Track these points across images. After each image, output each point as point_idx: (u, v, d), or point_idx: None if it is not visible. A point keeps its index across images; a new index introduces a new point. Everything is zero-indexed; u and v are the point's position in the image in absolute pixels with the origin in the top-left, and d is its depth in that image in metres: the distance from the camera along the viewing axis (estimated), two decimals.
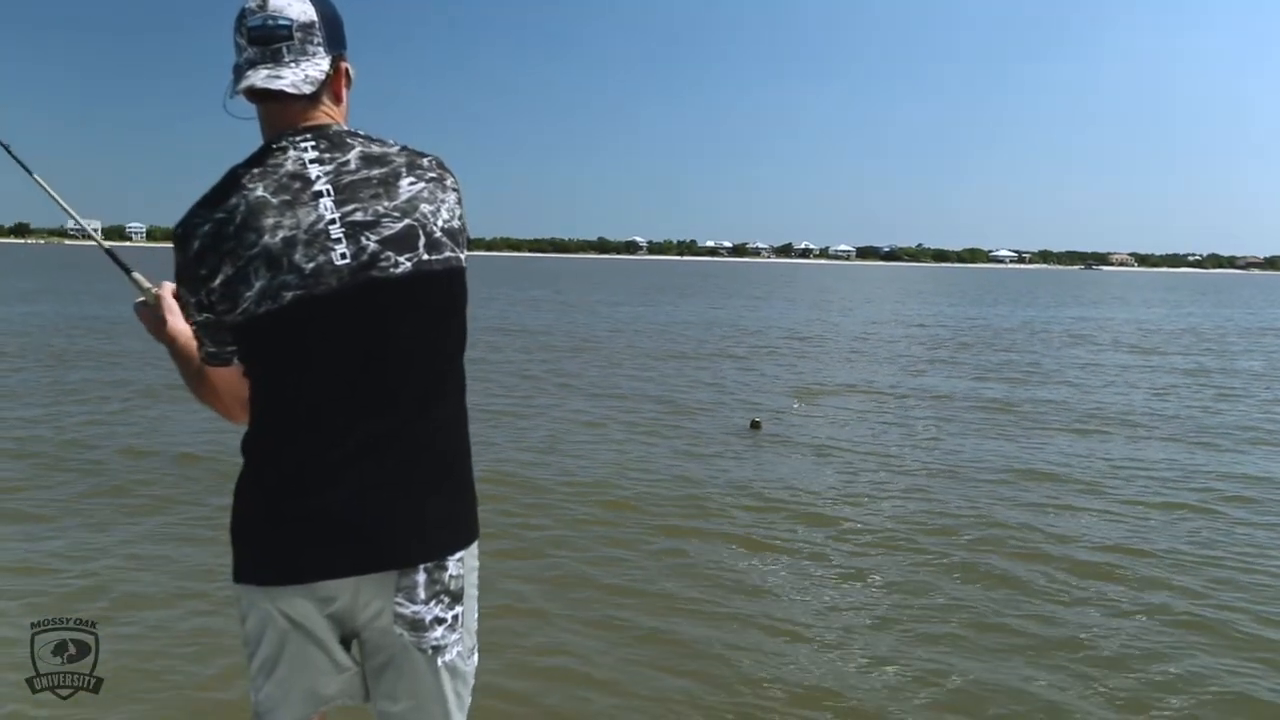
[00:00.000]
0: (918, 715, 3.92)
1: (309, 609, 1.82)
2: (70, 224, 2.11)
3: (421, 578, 1.83)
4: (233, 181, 1.75)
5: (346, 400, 1.77)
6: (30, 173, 2.11)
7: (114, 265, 2.21)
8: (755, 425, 9.91)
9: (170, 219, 1.82)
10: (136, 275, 2.11)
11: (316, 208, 1.73)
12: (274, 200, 1.72)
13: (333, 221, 1.73)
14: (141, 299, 2.06)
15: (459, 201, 1.87)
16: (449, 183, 1.87)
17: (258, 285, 1.69)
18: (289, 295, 1.70)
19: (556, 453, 8.81)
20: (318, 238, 1.72)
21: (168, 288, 1.98)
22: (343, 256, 1.72)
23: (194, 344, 1.94)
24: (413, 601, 1.83)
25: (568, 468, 8.18)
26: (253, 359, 1.80)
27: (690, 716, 3.85)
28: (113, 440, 8.60)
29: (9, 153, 2.13)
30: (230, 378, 1.87)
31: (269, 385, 1.80)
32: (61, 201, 2.12)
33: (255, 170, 1.75)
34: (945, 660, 4.42)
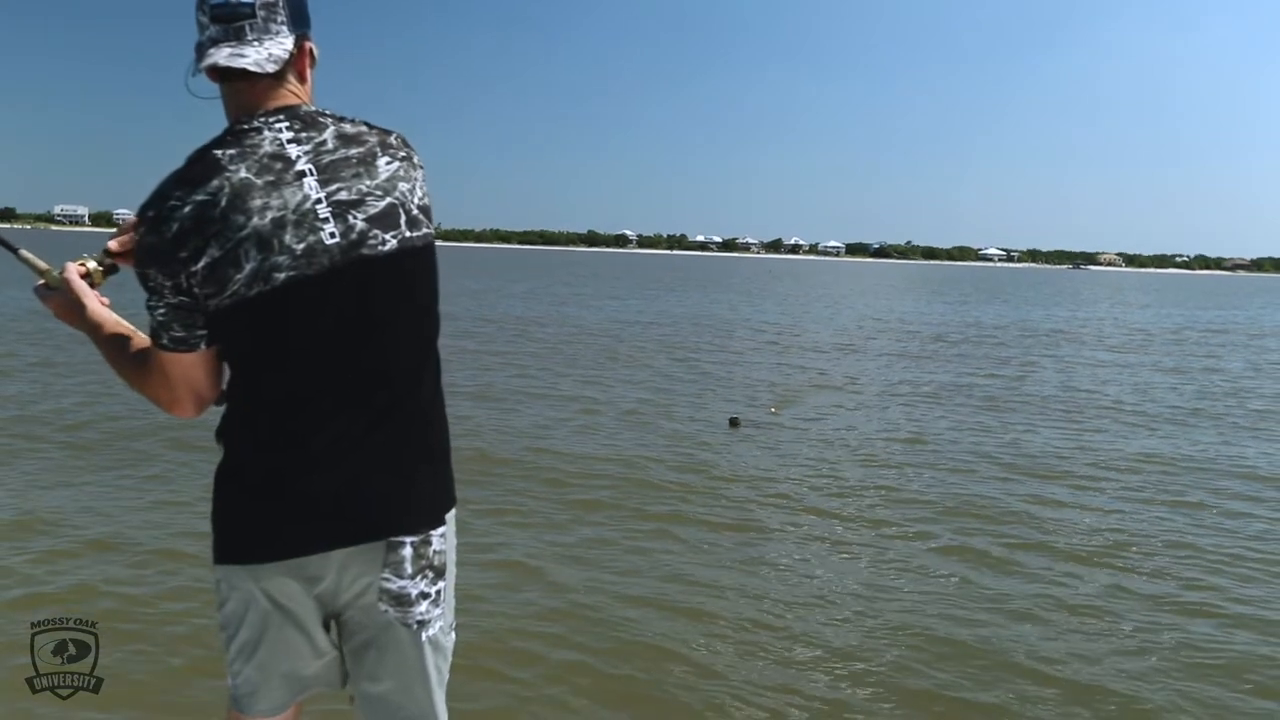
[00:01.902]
0: (911, 674, 4.12)
1: (295, 588, 1.83)
2: (57, 209, 2.04)
3: (408, 552, 1.86)
4: (211, 162, 1.72)
5: (337, 378, 1.78)
6: None
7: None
8: (734, 423, 9.90)
9: None
10: (26, 254, 2.06)
11: (302, 188, 1.73)
12: (258, 181, 1.71)
13: (319, 201, 1.74)
14: (41, 281, 1.99)
15: (424, 178, 1.91)
16: (416, 160, 1.90)
17: (249, 267, 1.68)
18: (281, 276, 1.70)
19: (548, 439, 8.96)
20: (306, 218, 1.72)
21: (72, 269, 1.95)
22: (332, 235, 1.73)
23: (121, 327, 1.95)
24: (400, 576, 1.86)
25: (558, 453, 8.35)
26: (239, 342, 1.78)
27: (682, 671, 4.08)
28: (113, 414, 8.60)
29: None
30: (192, 364, 1.80)
31: (257, 367, 1.79)
32: None
33: (233, 151, 1.73)
34: (931, 635, 4.60)
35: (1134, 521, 6.81)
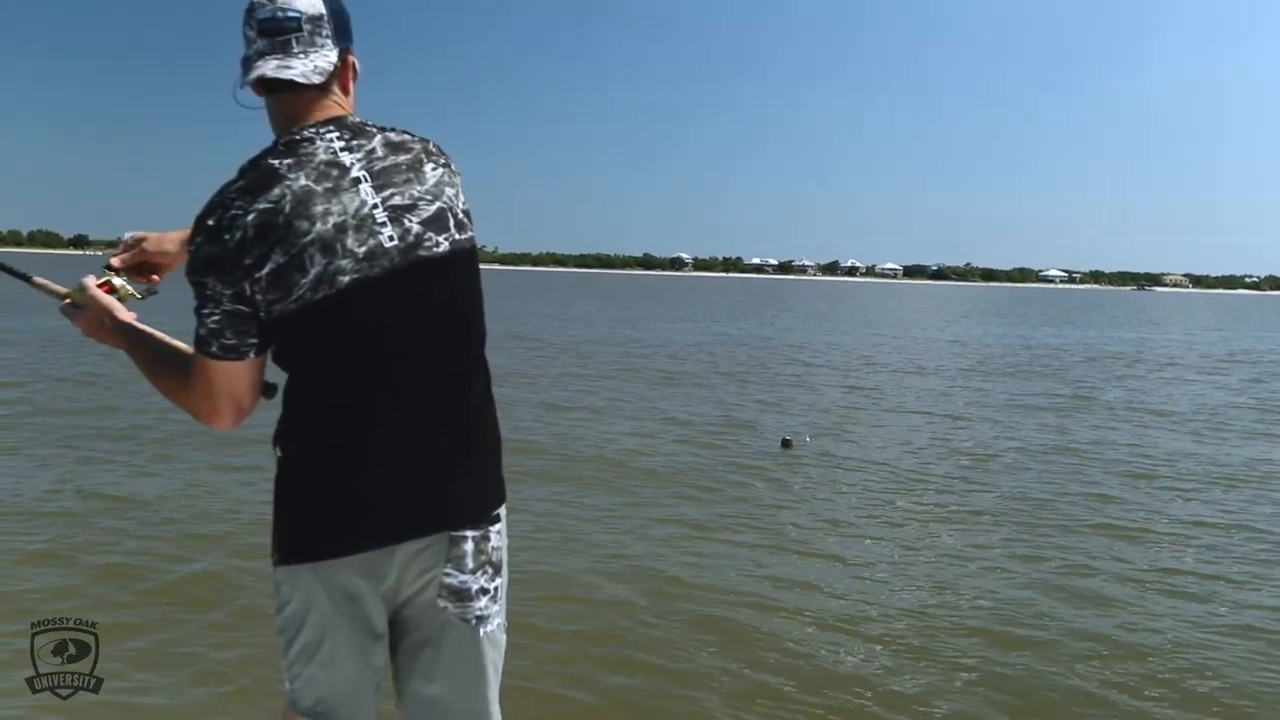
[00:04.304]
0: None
1: (361, 586, 1.85)
2: (126, 235, 2.10)
3: (470, 547, 1.91)
4: (269, 171, 1.76)
5: (394, 379, 1.82)
6: None
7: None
8: (787, 444, 9.86)
9: None
10: (39, 279, 2.11)
11: (359, 193, 1.79)
12: (318, 188, 1.75)
13: (375, 206, 1.79)
14: (67, 300, 2.02)
15: (462, 184, 1.97)
16: (454, 166, 1.97)
17: (314, 271, 1.72)
18: (345, 279, 1.74)
19: (608, 453, 9.20)
20: (365, 222, 1.77)
21: (91, 282, 2.01)
22: (390, 239, 1.78)
23: (154, 337, 1.99)
24: (461, 571, 1.90)
25: (619, 466, 8.62)
26: (301, 346, 1.80)
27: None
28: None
29: None
30: (239, 373, 1.82)
31: (317, 370, 1.82)
32: None
33: (289, 160, 1.78)
34: (984, 655, 4.53)
35: (1224, 540, 6.64)
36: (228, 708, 3.64)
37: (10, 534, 5.79)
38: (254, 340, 1.79)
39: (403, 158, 1.86)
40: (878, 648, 4.57)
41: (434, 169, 1.90)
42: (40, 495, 6.72)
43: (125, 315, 2.00)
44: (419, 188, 1.85)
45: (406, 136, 1.92)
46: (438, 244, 1.83)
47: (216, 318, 1.76)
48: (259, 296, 1.73)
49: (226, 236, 1.72)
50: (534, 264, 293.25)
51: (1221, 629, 4.93)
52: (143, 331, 1.99)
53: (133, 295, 2.06)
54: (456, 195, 1.91)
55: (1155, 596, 5.42)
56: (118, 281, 2.03)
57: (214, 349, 1.79)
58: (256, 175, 1.77)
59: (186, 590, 4.99)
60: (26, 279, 2.13)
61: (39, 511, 6.31)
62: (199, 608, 4.73)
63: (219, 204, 1.76)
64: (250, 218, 1.72)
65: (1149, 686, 4.22)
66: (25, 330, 19.18)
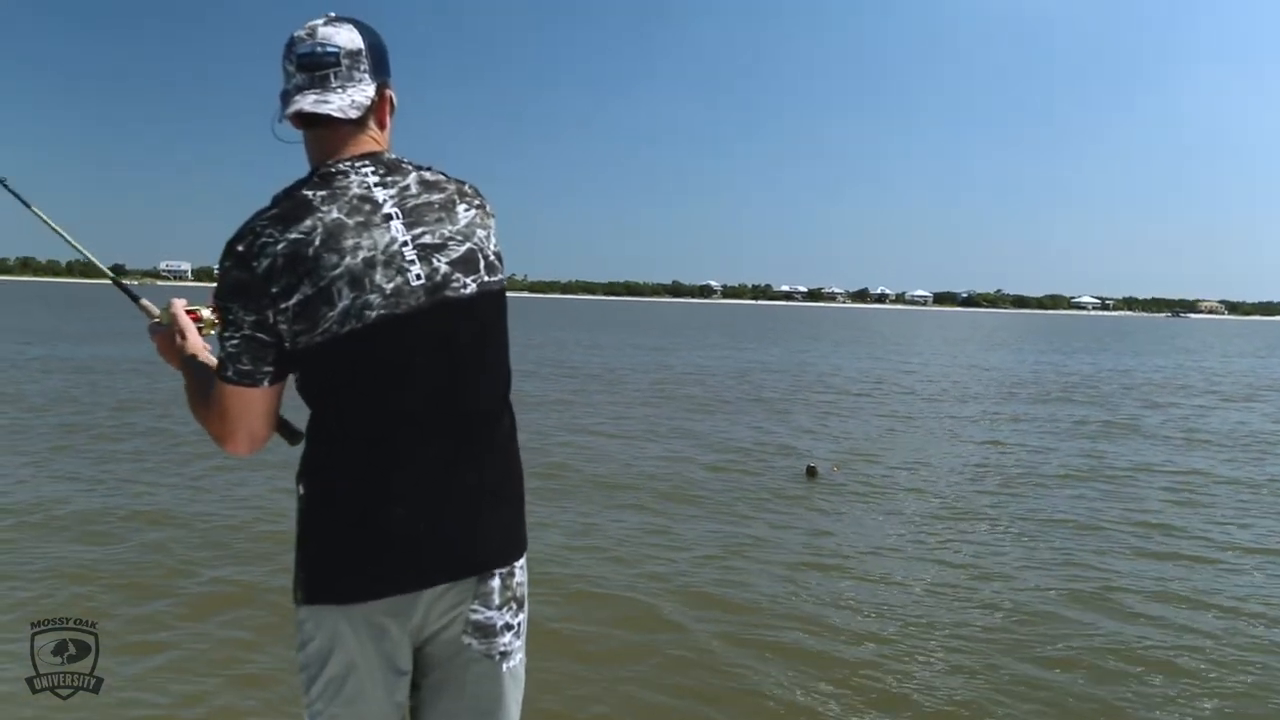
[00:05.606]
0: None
1: (389, 624, 1.82)
2: (162, 265, 2.15)
3: (497, 584, 1.90)
4: (302, 202, 1.76)
5: (419, 416, 1.80)
6: (29, 205, 2.32)
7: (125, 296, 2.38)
8: (812, 472, 9.82)
9: None
10: (145, 302, 2.27)
11: (389, 230, 1.78)
12: (350, 222, 1.75)
13: (405, 243, 1.78)
14: (156, 319, 2.13)
15: (496, 227, 1.97)
16: (489, 208, 1.96)
17: (341, 305, 1.71)
18: (372, 315, 1.73)
19: (637, 479, 9.16)
20: (394, 259, 1.76)
21: (178, 304, 2.10)
22: (418, 277, 1.77)
23: (208, 367, 1.99)
24: (488, 607, 1.89)
25: (648, 491, 8.53)
26: (326, 379, 1.79)
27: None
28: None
29: (6, 188, 2.32)
30: (252, 400, 1.80)
31: (341, 405, 1.80)
32: (65, 234, 2.32)
33: (323, 192, 1.78)
34: (1025, 673, 4.39)
35: (1270, 563, 6.50)
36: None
37: (75, 551, 5.87)
38: (269, 369, 1.78)
39: (436, 197, 1.86)
40: (918, 667, 4.50)
41: (466, 210, 1.89)
42: (109, 516, 6.81)
43: (196, 341, 2.05)
44: (450, 228, 1.84)
45: (441, 176, 1.92)
46: (465, 285, 1.82)
47: (235, 342, 1.76)
48: (283, 326, 1.73)
49: (255, 263, 1.72)
50: (563, 291, 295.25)
51: (1268, 649, 4.85)
52: (202, 360, 2.01)
53: (216, 327, 2.10)
54: (488, 237, 1.91)
55: (1198, 617, 5.31)
56: (205, 313, 2.08)
57: (229, 373, 1.78)
58: (290, 205, 1.76)
59: (257, 617, 4.97)
60: (135, 300, 2.30)
61: (105, 532, 6.39)
62: (271, 632, 4.69)
63: (250, 230, 1.75)
64: (281, 246, 1.72)
65: (1191, 705, 4.16)
66: (84, 357, 19.75)
